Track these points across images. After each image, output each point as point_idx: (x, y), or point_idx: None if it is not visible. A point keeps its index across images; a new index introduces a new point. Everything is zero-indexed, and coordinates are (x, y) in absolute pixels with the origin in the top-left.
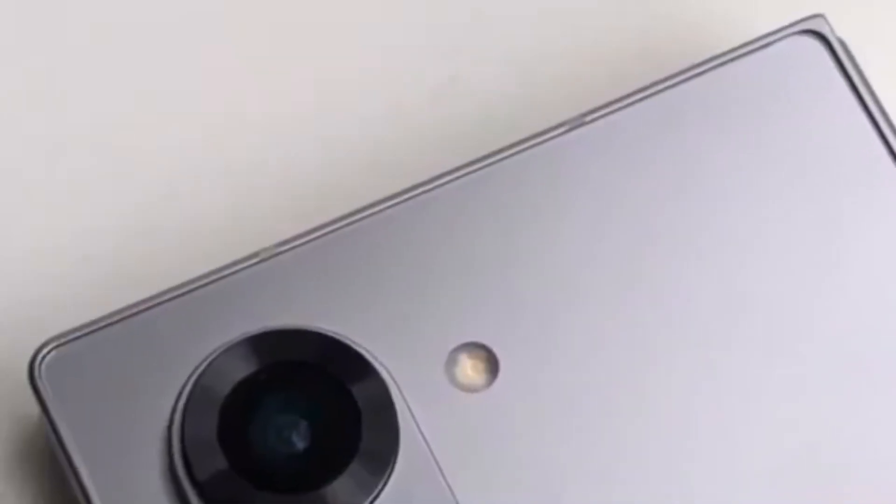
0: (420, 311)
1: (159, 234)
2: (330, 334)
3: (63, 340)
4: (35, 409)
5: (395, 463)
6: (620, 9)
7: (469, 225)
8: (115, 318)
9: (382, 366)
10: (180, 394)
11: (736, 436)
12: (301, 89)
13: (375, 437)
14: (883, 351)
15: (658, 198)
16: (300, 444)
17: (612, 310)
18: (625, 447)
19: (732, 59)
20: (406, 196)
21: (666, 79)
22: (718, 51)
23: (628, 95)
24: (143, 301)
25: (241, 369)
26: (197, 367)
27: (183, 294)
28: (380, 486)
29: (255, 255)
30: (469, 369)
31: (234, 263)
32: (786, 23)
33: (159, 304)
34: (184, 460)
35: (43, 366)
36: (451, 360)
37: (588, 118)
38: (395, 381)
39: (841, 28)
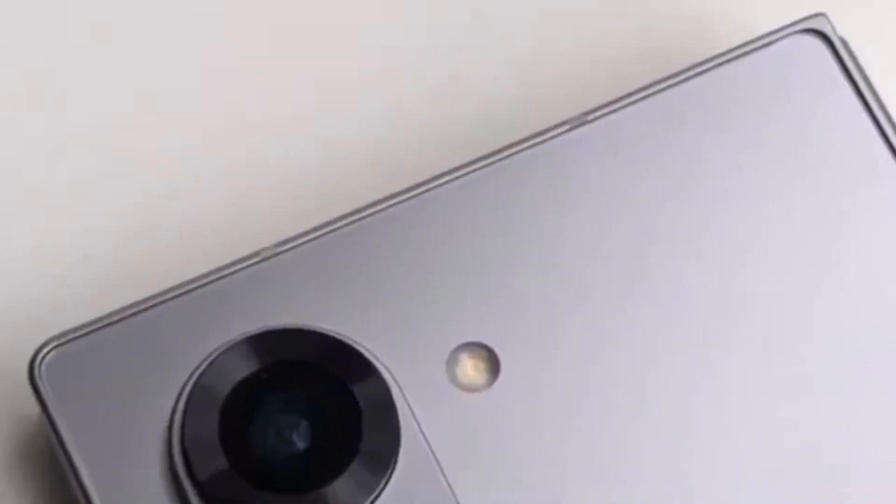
0: (421, 310)
1: (159, 234)
2: (331, 334)
3: (63, 340)
4: (35, 409)
5: (395, 463)
6: (620, 9)
7: (469, 225)
8: (115, 318)
9: (383, 365)
10: (180, 394)
11: (736, 436)
12: (301, 89)
13: (376, 437)
14: (883, 351)
15: (659, 197)
16: (301, 443)
17: (612, 309)
18: (625, 447)
19: (733, 59)
20: (406, 196)
21: (667, 78)
22: (719, 50)
23: (629, 94)
24: (143, 301)
25: (242, 369)
26: (197, 367)
27: (183, 294)
28: (380, 486)
29: (255, 254)
30: (470, 369)
31: (234, 263)
32: (787, 22)
33: (159, 304)
34: (184, 460)
35: (43, 366)
36: (452, 360)
37: (590, 117)
38: (396, 381)
39: (842, 27)
